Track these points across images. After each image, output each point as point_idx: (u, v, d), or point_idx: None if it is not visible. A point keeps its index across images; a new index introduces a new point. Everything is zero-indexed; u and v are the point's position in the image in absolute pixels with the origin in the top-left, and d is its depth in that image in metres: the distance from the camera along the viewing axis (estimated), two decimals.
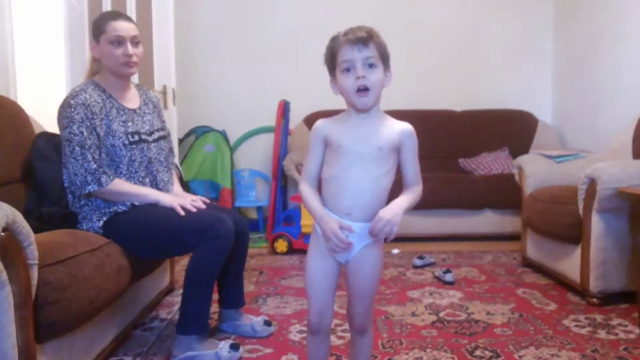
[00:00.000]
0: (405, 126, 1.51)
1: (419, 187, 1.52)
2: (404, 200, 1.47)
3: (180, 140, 4.31)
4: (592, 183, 2.53)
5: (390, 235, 1.43)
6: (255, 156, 4.71)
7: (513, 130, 4.55)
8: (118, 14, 2.20)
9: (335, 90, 1.49)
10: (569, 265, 2.76)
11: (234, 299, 2.34)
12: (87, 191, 2.04)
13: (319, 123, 1.52)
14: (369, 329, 1.63)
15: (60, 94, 2.88)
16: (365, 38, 1.40)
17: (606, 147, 3.40)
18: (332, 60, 1.46)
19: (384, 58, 1.45)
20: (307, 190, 1.52)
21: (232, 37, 4.67)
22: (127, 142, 2.14)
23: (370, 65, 1.41)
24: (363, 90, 1.41)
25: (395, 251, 3.67)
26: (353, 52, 1.40)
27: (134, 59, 2.16)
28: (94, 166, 2.03)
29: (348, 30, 1.44)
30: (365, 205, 1.47)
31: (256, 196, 4.63)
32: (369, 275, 1.54)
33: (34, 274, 1.45)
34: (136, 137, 2.17)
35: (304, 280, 1.60)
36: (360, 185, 1.46)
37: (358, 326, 1.60)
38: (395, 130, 1.49)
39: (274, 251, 3.75)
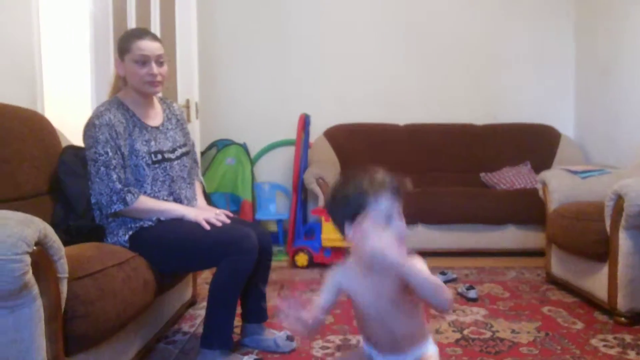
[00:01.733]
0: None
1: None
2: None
3: (202, 154, 4.35)
4: (619, 200, 2.49)
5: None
6: (276, 169, 4.72)
7: (535, 144, 4.51)
8: (144, 33, 2.18)
9: (350, 237, 1.34)
10: (596, 283, 2.71)
11: (257, 314, 2.33)
12: (113, 211, 2.05)
13: (335, 270, 1.45)
14: None
15: (86, 107, 2.93)
16: (398, 188, 1.32)
17: (630, 162, 3.35)
18: (357, 208, 1.30)
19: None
20: None
21: (254, 52, 4.70)
22: (150, 161, 2.14)
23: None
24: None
25: None
26: (388, 202, 1.30)
27: (159, 78, 2.16)
28: (119, 186, 2.04)
29: (378, 177, 1.32)
30: (405, 337, 1.43)
31: (276, 209, 4.62)
32: None
33: (64, 287, 1.46)
34: (159, 157, 2.18)
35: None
36: (393, 331, 1.41)
37: None
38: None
39: (294, 264, 3.74)
